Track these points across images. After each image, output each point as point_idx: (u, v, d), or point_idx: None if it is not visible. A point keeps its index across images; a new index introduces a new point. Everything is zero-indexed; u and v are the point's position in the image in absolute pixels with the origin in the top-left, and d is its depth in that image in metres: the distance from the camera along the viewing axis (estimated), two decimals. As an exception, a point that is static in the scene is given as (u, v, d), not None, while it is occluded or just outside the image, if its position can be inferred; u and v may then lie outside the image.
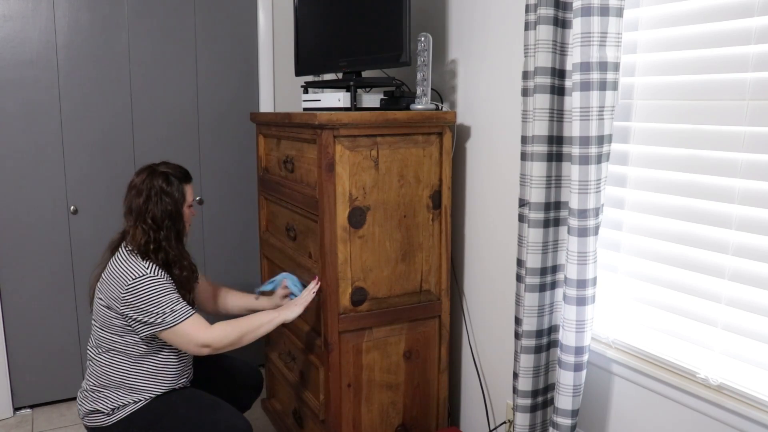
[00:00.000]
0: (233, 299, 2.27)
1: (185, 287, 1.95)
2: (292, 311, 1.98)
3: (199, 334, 1.85)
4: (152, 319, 1.82)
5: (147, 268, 1.83)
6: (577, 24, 1.49)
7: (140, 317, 1.82)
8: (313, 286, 2.01)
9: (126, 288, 1.81)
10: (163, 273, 1.86)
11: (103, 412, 1.89)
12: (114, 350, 1.89)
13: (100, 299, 1.89)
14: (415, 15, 2.43)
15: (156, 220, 1.88)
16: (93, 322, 1.95)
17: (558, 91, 1.65)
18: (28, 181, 2.68)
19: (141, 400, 1.90)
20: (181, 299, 1.87)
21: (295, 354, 2.34)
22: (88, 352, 1.97)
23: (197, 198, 2.93)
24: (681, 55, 1.49)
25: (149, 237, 1.87)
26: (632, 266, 1.66)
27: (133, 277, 1.81)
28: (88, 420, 1.92)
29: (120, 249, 1.90)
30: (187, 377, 2.02)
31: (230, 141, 3.02)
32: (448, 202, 2.14)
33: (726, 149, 1.40)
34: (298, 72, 2.60)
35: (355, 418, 2.12)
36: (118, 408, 1.88)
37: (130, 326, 1.86)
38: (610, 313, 1.74)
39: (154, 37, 2.81)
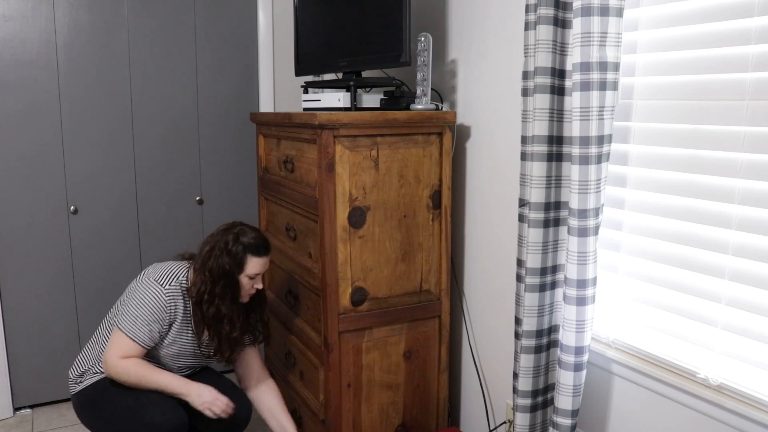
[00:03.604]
0: (269, 400, 2.14)
1: (229, 345, 2.02)
2: (197, 396, 1.92)
3: (113, 356, 1.90)
4: (120, 313, 1.95)
5: (168, 285, 1.95)
6: (577, 24, 1.49)
7: (122, 305, 1.97)
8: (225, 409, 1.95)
9: (138, 283, 1.97)
10: (174, 299, 1.95)
11: (72, 378, 2.04)
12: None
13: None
14: (415, 15, 2.43)
15: (213, 273, 1.93)
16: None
17: (558, 91, 1.65)
18: (28, 181, 2.68)
19: (99, 372, 2.00)
20: (152, 323, 1.92)
21: (295, 354, 2.34)
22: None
23: (197, 198, 2.92)
24: (681, 55, 1.49)
25: (205, 288, 1.93)
26: (632, 266, 1.66)
27: (150, 281, 1.95)
28: (69, 386, 2.07)
29: (173, 279, 1.97)
30: None
31: (230, 141, 3.02)
32: (448, 202, 2.14)
33: (726, 149, 1.40)
34: (298, 72, 2.60)
35: (355, 418, 2.12)
36: (83, 374, 2.02)
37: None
38: (610, 313, 1.74)
39: (154, 37, 2.81)
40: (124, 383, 1.91)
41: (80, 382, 2.02)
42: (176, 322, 1.98)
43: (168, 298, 1.94)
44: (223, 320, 1.97)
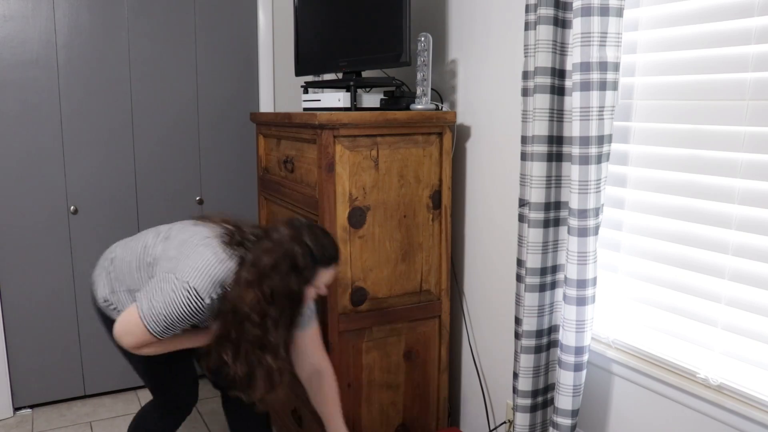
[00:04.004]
0: (323, 403, 1.90)
1: (264, 379, 1.64)
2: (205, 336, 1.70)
3: (127, 342, 1.63)
4: (144, 291, 1.63)
5: (209, 298, 1.58)
6: (577, 24, 1.49)
7: (149, 286, 1.64)
8: None
9: (181, 271, 1.58)
10: (211, 307, 1.60)
11: (106, 302, 1.80)
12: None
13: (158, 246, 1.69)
14: (415, 15, 2.43)
15: (274, 294, 1.57)
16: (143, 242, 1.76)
17: (558, 91, 1.65)
18: (28, 181, 2.68)
19: None
20: (177, 325, 1.60)
21: (295, 354, 2.35)
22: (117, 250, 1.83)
23: (197, 198, 2.91)
24: (681, 55, 1.49)
25: (258, 308, 1.56)
26: (632, 266, 1.66)
27: (188, 285, 1.56)
28: (102, 304, 1.81)
29: (216, 287, 1.59)
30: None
31: (230, 141, 3.02)
32: (448, 202, 2.14)
33: (726, 149, 1.40)
34: (298, 72, 2.60)
35: (355, 418, 2.12)
36: (117, 307, 1.79)
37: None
38: (610, 313, 1.74)
39: (154, 37, 2.81)
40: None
41: (116, 311, 1.79)
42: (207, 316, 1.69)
43: (210, 308, 1.62)
44: (266, 349, 1.60)
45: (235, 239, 1.64)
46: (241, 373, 1.62)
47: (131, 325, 1.62)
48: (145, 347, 1.65)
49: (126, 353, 1.85)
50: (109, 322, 1.85)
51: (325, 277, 1.64)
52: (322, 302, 2.04)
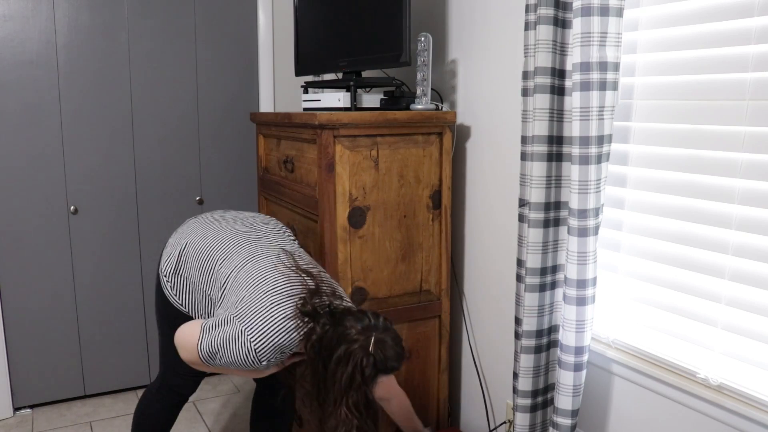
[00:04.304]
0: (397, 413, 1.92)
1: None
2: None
3: (186, 354, 1.59)
4: (208, 325, 1.57)
5: (267, 362, 1.53)
6: (577, 24, 1.49)
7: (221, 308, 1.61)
8: None
9: (251, 323, 1.52)
10: (265, 362, 1.53)
11: (167, 281, 1.79)
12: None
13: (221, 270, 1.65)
14: (415, 15, 2.43)
15: (358, 408, 1.46)
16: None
17: (558, 91, 1.65)
18: (28, 181, 2.68)
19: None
20: (233, 365, 1.55)
21: (295, 354, 2.34)
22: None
23: (197, 198, 2.90)
24: (681, 55, 1.49)
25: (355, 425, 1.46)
26: (632, 266, 1.66)
27: (251, 348, 1.50)
28: (162, 280, 1.81)
29: (276, 354, 1.53)
30: None
31: (230, 141, 3.02)
32: (448, 202, 2.14)
33: (726, 149, 1.40)
34: (298, 72, 2.60)
35: (355, 418, 2.12)
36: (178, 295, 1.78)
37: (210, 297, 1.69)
38: (610, 313, 1.74)
39: (154, 37, 2.81)
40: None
41: (174, 293, 1.79)
42: None
43: (263, 368, 1.56)
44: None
45: (308, 305, 1.54)
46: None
47: (189, 345, 1.58)
48: (192, 363, 1.62)
49: (160, 321, 1.87)
50: (160, 293, 1.83)
51: (382, 385, 1.57)
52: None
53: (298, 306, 1.53)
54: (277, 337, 1.51)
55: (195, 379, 1.93)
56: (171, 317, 1.83)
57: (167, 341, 1.88)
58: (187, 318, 1.81)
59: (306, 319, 1.51)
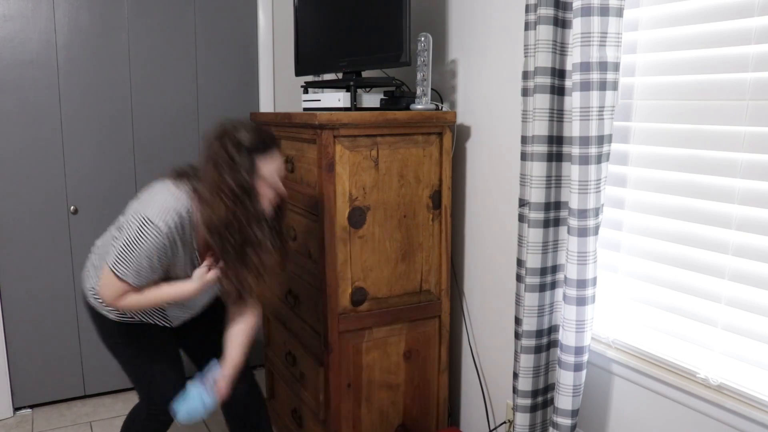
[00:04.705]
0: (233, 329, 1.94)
1: (262, 274, 1.73)
2: (190, 284, 1.74)
3: (108, 296, 1.69)
4: (112, 249, 1.69)
5: (166, 226, 1.64)
6: (577, 24, 1.49)
7: (114, 242, 1.72)
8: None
9: (139, 210, 1.66)
10: (174, 237, 1.67)
11: (88, 286, 1.87)
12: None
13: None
14: (415, 15, 2.43)
15: (228, 195, 1.63)
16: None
17: (558, 91, 1.65)
18: (28, 181, 2.68)
19: (111, 310, 1.84)
20: (144, 267, 1.66)
21: (295, 354, 2.34)
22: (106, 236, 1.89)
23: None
24: (681, 55, 1.49)
25: (223, 215, 1.63)
26: (632, 266, 1.66)
27: (145, 219, 1.63)
28: (90, 295, 1.86)
29: (173, 215, 1.65)
30: (170, 323, 1.92)
31: (230, 141, 3.02)
32: (448, 202, 2.14)
33: (726, 149, 1.40)
34: (298, 72, 2.60)
35: (355, 418, 2.12)
36: (91, 291, 1.86)
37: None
38: (610, 313, 1.74)
39: (154, 37, 2.81)
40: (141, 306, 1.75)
41: (98, 300, 1.85)
42: (177, 257, 1.74)
43: (170, 239, 1.67)
44: (251, 246, 1.68)
45: (183, 172, 1.75)
46: (233, 278, 1.72)
47: (105, 278, 1.69)
48: (123, 298, 1.70)
49: (114, 349, 1.89)
50: (98, 317, 1.87)
51: (268, 167, 1.68)
52: (322, 302, 2.04)
53: (174, 177, 1.74)
54: (163, 199, 1.66)
55: (173, 385, 1.91)
56: (115, 330, 1.87)
57: (127, 361, 1.90)
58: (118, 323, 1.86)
59: (184, 179, 1.72)
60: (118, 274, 1.66)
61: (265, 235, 1.71)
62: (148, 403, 1.93)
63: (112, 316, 1.85)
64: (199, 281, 1.74)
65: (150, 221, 1.63)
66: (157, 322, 1.90)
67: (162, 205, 1.66)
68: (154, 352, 1.91)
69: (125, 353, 1.90)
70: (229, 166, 1.63)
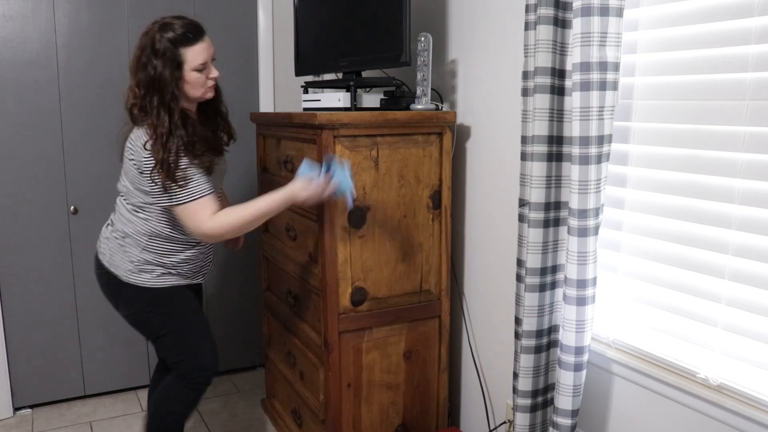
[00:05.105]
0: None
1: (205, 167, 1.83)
2: (300, 190, 1.80)
3: (200, 220, 1.77)
4: (153, 190, 1.79)
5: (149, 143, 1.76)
6: (577, 24, 1.49)
7: (143, 186, 1.81)
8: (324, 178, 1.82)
9: (136, 161, 1.78)
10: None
11: (124, 268, 1.90)
12: (146, 213, 1.87)
13: (131, 159, 1.82)
14: (415, 15, 2.43)
15: (141, 84, 1.77)
16: (122, 180, 1.90)
17: (558, 91, 1.65)
18: (28, 182, 2.68)
19: (162, 276, 1.91)
20: (197, 175, 1.78)
21: (295, 354, 2.34)
22: (115, 204, 1.96)
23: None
24: (681, 55, 1.49)
25: (135, 101, 1.78)
26: (632, 266, 1.66)
27: (138, 152, 1.76)
28: (127, 275, 1.90)
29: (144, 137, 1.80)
30: (203, 276, 2.05)
31: (230, 141, 3.02)
32: (448, 202, 2.14)
33: (726, 149, 1.40)
34: (298, 72, 2.60)
35: (355, 418, 2.12)
36: (138, 272, 1.90)
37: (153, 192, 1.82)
38: (610, 313, 1.74)
39: (154, 37, 2.81)
40: (238, 233, 1.83)
41: (139, 272, 1.91)
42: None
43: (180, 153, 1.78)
44: (186, 129, 1.78)
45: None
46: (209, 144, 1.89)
47: (188, 212, 1.77)
48: (222, 216, 1.78)
49: (159, 323, 1.93)
50: (139, 297, 1.91)
51: (197, 55, 1.79)
52: (322, 302, 2.04)
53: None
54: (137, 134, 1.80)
55: (212, 342, 2.00)
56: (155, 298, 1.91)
57: (174, 329, 1.94)
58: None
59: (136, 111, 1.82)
60: (191, 196, 1.76)
61: (184, 128, 1.79)
62: (192, 372, 1.96)
63: (158, 283, 1.91)
64: (301, 194, 1.81)
65: (144, 148, 1.75)
66: (197, 280, 2.00)
67: (137, 137, 1.80)
68: (198, 317, 1.99)
69: (170, 323, 1.94)
70: (152, 59, 1.75)
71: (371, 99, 2.18)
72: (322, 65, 2.43)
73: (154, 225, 1.88)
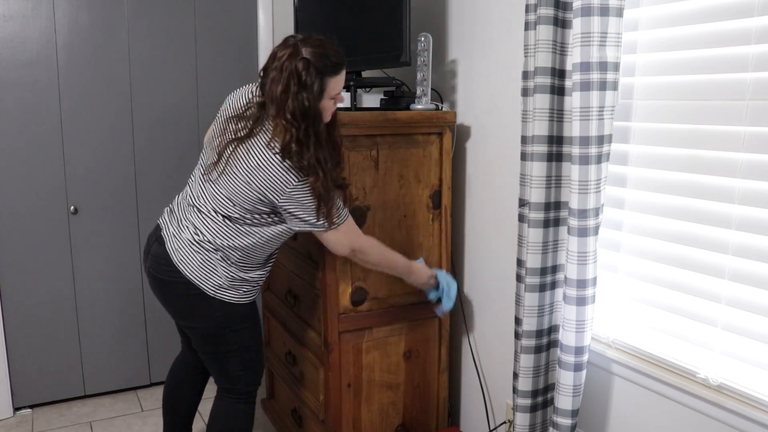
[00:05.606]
0: None
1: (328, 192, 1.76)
2: (421, 279, 1.96)
3: (355, 237, 1.81)
4: (312, 218, 1.73)
5: (303, 174, 1.68)
6: (577, 24, 1.49)
7: (299, 214, 1.73)
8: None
9: (285, 194, 1.69)
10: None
11: (213, 282, 1.82)
12: (249, 229, 1.79)
13: (249, 188, 1.71)
14: (415, 15, 2.43)
15: (295, 116, 1.65)
16: (210, 184, 1.78)
17: (558, 91, 1.65)
18: (28, 181, 2.68)
19: (247, 292, 1.89)
20: (339, 198, 1.78)
21: (295, 354, 2.34)
22: (192, 204, 1.83)
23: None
24: (681, 55, 1.49)
25: (293, 137, 1.64)
26: (632, 266, 1.66)
27: (292, 185, 1.67)
28: (215, 290, 1.83)
29: (260, 144, 1.68)
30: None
31: (230, 141, 3.02)
32: (448, 202, 2.14)
33: (726, 149, 1.40)
34: (298, 72, 2.59)
35: (355, 418, 2.12)
36: (228, 288, 1.84)
37: (278, 216, 1.77)
38: (610, 313, 1.74)
39: (154, 37, 2.81)
40: (373, 264, 1.87)
41: (229, 288, 1.85)
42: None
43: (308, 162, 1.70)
44: (319, 168, 1.70)
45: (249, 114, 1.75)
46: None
47: (337, 236, 1.78)
48: (367, 239, 1.83)
49: (234, 339, 1.90)
50: (223, 313, 1.85)
51: (336, 85, 1.71)
52: (322, 302, 2.04)
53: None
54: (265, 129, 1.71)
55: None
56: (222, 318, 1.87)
57: (250, 344, 1.94)
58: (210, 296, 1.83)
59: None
60: (337, 221, 1.76)
61: (320, 158, 1.71)
62: (248, 386, 1.98)
63: (242, 299, 1.88)
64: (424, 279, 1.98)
65: (301, 179, 1.68)
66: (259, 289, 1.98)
67: (285, 176, 1.68)
68: (260, 333, 1.99)
69: (241, 339, 1.91)
70: (298, 91, 1.64)
71: (371, 99, 2.18)
72: (322, 65, 2.42)
73: (253, 241, 1.80)
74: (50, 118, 2.68)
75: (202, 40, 2.90)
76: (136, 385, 3.01)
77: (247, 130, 1.72)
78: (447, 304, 2.00)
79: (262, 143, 1.69)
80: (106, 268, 2.85)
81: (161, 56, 2.83)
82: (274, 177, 1.68)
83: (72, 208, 2.76)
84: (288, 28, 3.02)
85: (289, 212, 1.74)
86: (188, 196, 1.87)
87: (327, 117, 1.76)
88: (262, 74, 1.72)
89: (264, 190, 1.70)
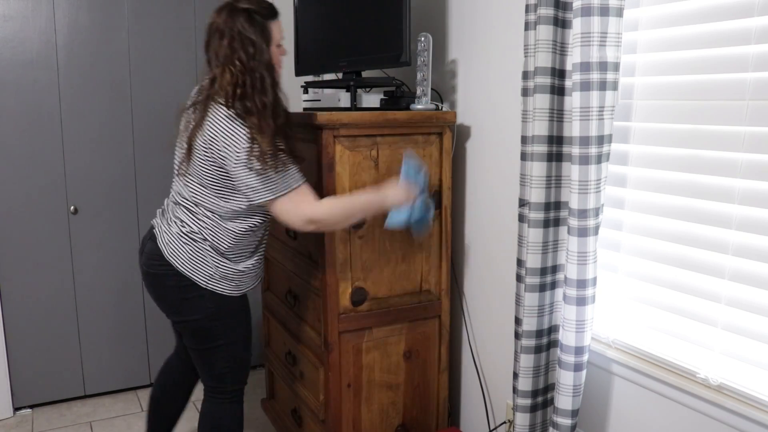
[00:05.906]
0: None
1: (288, 144, 1.76)
2: (395, 193, 1.85)
3: (308, 207, 1.73)
4: (258, 182, 1.70)
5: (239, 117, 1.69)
6: (577, 24, 1.49)
7: (249, 180, 1.71)
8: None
9: (233, 152, 1.68)
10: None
11: (205, 274, 1.83)
12: (227, 215, 1.80)
13: (206, 156, 1.73)
14: (415, 15, 2.43)
15: (243, 63, 1.70)
16: (184, 178, 1.82)
17: (558, 91, 1.65)
18: (28, 181, 2.68)
19: (240, 283, 1.89)
20: (291, 163, 1.73)
21: (295, 354, 2.34)
22: (177, 202, 1.87)
23: None
24: (681, 55, 1.49)
25: (237, 82, 1.68)
26: (632, 266, 1.66)
27: (238, 135, 1.66)
28: (208, 282, 1.84)
29: (213, 104, 1.72)
30: (258, 283, 2.03)
31: (230, 141, 3.02)
32: (448, 202, 2.14)
33: (726, 149, 1.40)
34: (298, 72, 2.60)
35: (355, 418, 2.12)
36: (219, 279, 1.85)
37: (239, 190, 1.75)
38: (610, 313, 1.74)
39: (154, 37, 2.81)
40: (337, 225, 1.82)
41: (221, 279, 1.85)
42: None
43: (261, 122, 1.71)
44: (269, 114, 1.71)
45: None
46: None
47: (288, 205, 1.73)
48: (324, 205, 1.75)
49: (226, 333, 1.90)
50: (218, 307, 1.86)
51: (277, 30, 1.77)
52: (322, 302, 2.04)
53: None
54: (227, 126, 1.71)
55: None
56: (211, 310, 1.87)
57: (240, 339, 1.94)
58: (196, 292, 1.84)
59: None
60: (287, 188, 1.71)
61: (278, 102, 1.75)
62: (234, 383, 1.98)
63: (234, 291, 1.88)
64: (392, 200, 1.85)
65: (235, 120, 1.68)
66: (252, 288, 1.97)
67: (236, 133, 1.69)
68: (250, 329, 1.99)
69: (230, 333, 1.92)
70: (244, 41, 1.70)
71: (371, 99, 2.18)
72: (322, 65, 2.43)
73: (235, 228, 1.82)
74: (50, 118, 2.68)
75: (203, 40, 2.89)
76: (136, 385, 3.01)
77: (201, 106, 1.75)
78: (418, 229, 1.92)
79: (214, 107, 1.72)
80: (106, 268, 2.85)
81: (161, 56, 2.83)
82: (222, 130, 1.69)
83: (72, 208, 2.76)
84: (288, 28, 3.02)
85: (240, 179, 1.71)
86: (172, 195, 1.92)
87: (278, 67, 1.80)
88: (205, 50, 1.79)
89: (217, 150, 1.70)
